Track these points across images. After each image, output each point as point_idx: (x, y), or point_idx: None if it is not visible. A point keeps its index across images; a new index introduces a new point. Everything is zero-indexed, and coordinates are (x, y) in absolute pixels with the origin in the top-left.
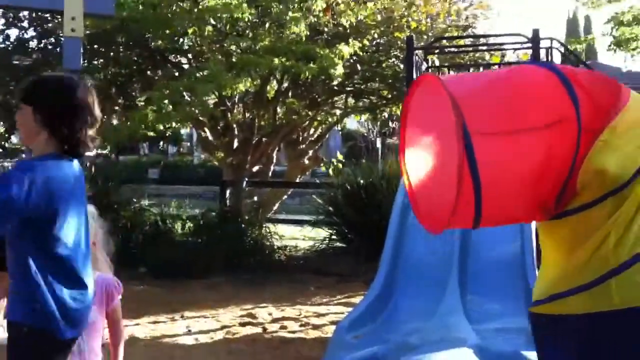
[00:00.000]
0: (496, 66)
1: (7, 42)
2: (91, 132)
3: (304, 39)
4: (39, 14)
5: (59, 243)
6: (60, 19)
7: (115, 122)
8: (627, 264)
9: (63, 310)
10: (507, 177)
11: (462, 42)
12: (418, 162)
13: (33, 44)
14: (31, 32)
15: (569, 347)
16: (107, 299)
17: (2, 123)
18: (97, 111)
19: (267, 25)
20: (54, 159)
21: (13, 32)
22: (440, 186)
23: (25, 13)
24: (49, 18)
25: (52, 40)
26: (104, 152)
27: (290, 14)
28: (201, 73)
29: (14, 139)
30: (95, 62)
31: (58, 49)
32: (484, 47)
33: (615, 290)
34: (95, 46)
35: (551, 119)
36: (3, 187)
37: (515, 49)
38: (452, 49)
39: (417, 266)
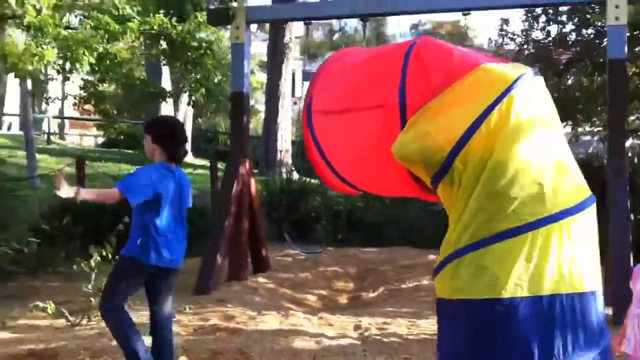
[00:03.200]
0: None
1: (549, 39)
2: (183, 148)
3: None
4: (577, 7)
5: (159, 212)
6: (599, 9)
7: None
8: (454, 255)
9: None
10: (348, 147)
11: None
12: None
13: (572, 37)
14: (570, 26)
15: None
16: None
17: None
18: (184, 135)
19: None
20: (162, 165)
21: (553, 28)
22: None
23: (564, 8)
24: (588, 9)
25: (591, 31)
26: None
27: None
28: None
29: None
30: (637, 49)
31: (598, 40)
32: None
33: (448, 279)
34: (636, 32)
35: (380, 100)
36: (135, 180)
37: None
38: None
39: None
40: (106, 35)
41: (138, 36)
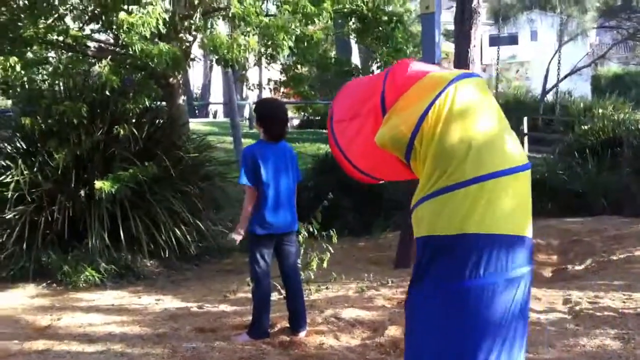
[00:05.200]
0: None
1: None
2: (281, 128)
3: None
4: None
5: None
6: None
7: None
8: (414, 207)
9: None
10: (359, 145)
11: None
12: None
13: None
14: None
15: None
16: None
17: None
18: (283, 116)
19: None
20: (260, 142)
21: None
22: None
23: None
24: None
25: None
26: None
27: None
28: None
29: None
30: None
31: None
32: None
33: (413, 226)
34: None
35: (371, 106)
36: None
37: None
38: None
39: None
40: (303, 19)
41: (332, 16)
